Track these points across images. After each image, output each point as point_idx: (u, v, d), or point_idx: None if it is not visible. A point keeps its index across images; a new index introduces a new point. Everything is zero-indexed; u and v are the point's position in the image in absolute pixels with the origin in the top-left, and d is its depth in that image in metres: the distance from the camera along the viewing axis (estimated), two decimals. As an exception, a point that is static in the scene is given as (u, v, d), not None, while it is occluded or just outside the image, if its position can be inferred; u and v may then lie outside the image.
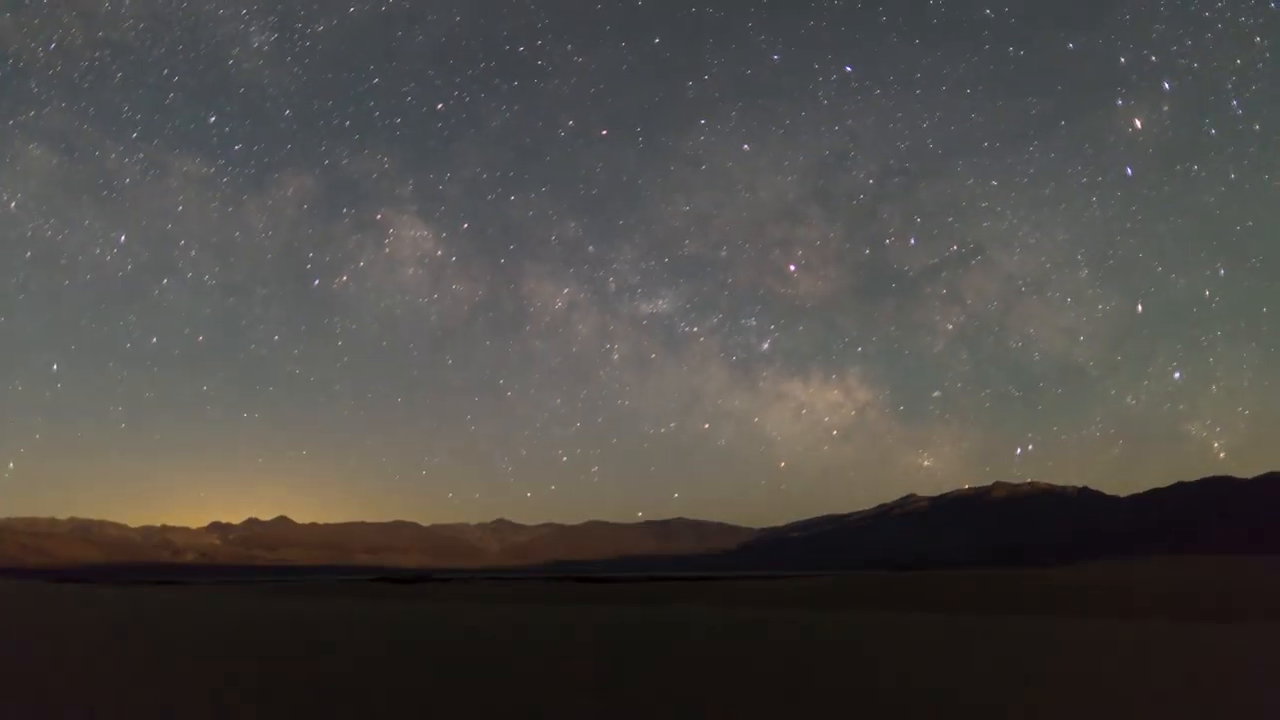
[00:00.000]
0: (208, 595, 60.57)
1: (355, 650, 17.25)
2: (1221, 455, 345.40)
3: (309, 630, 23.40)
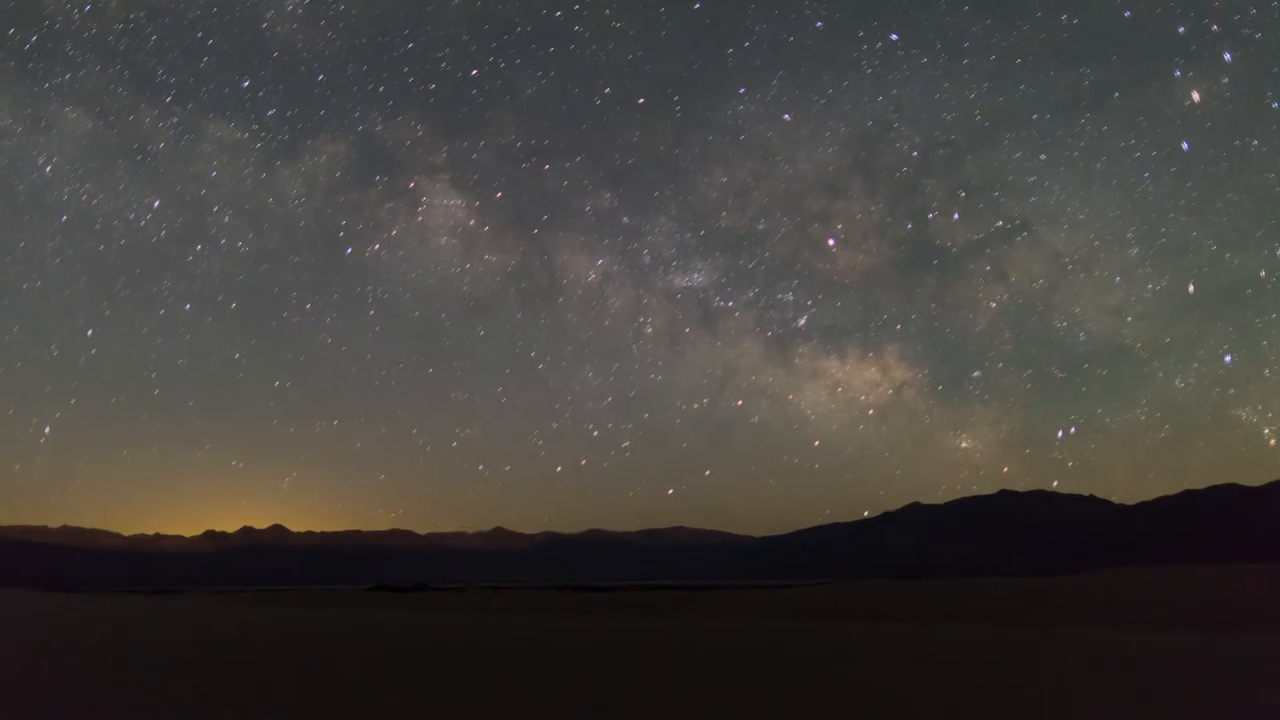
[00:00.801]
0: (195, 605, 59.80)
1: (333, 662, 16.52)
2: (1272, 442, 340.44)
3: (291, 642, 22.67)
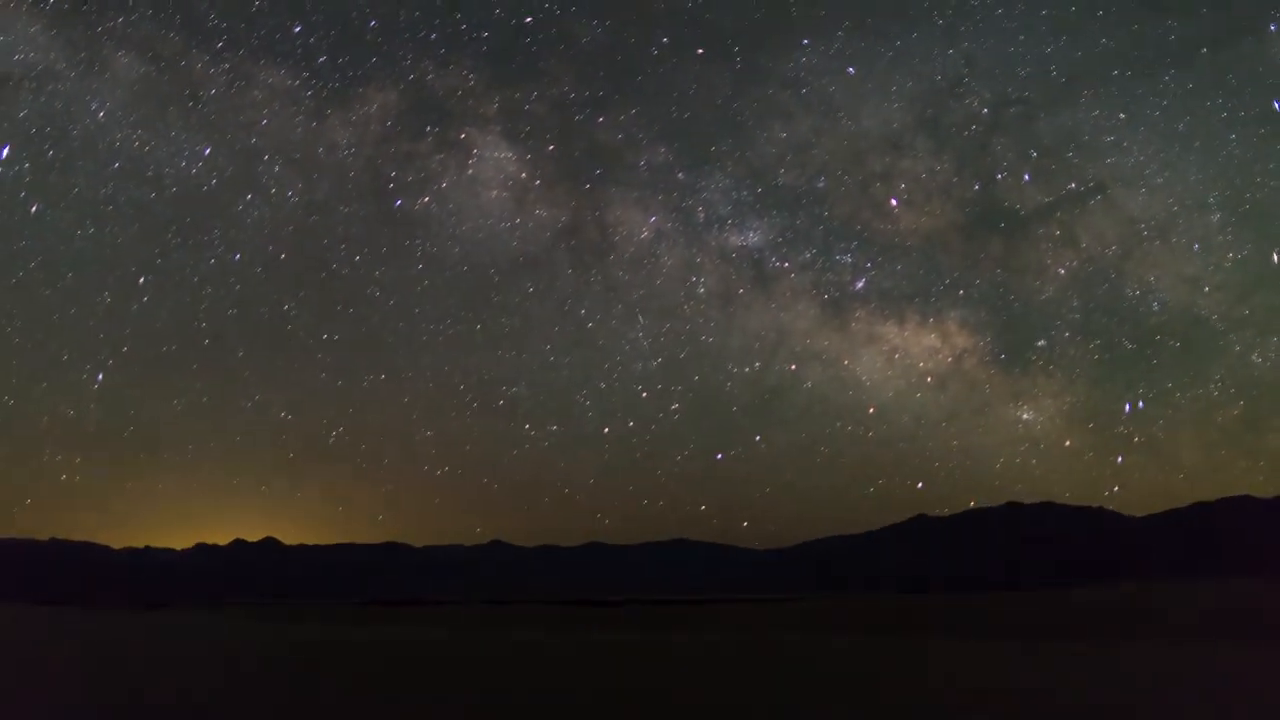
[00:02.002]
0: (186, 619, 59.67)
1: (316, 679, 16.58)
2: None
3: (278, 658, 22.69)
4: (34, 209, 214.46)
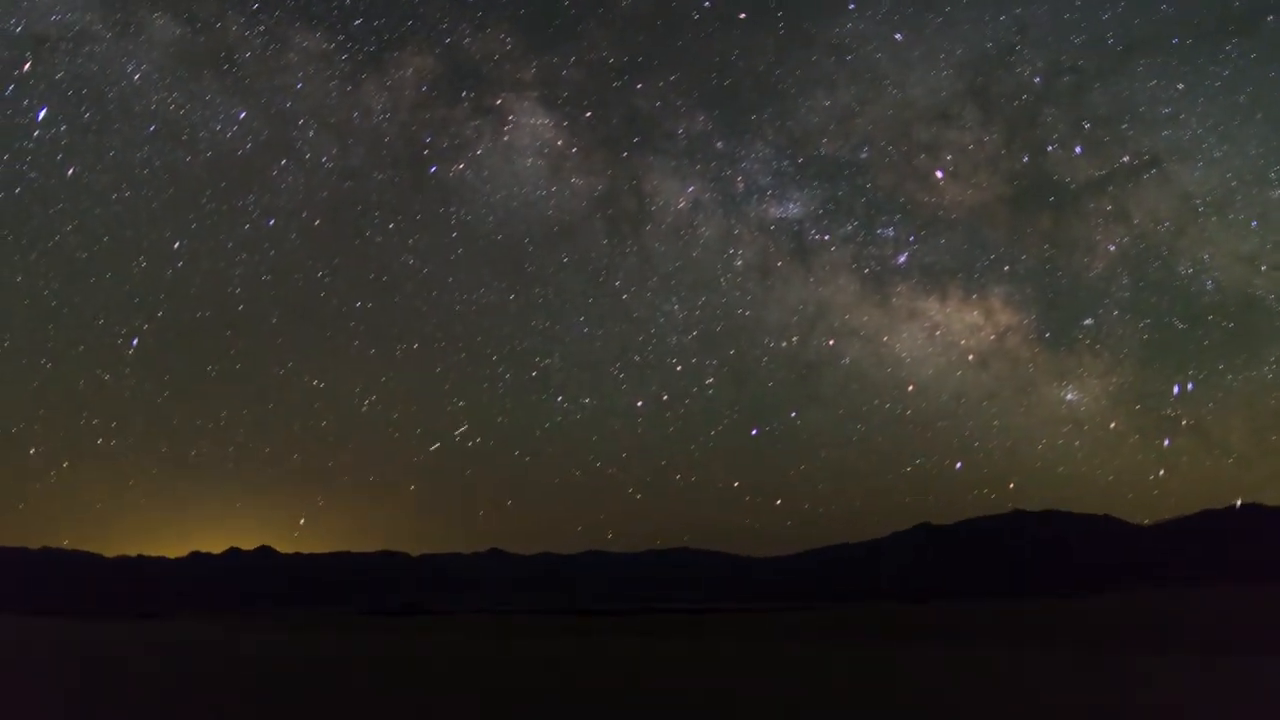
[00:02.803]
0: (180, 629, 59.76)
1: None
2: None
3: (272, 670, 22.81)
4: (70, 171, 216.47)
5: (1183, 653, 27.90)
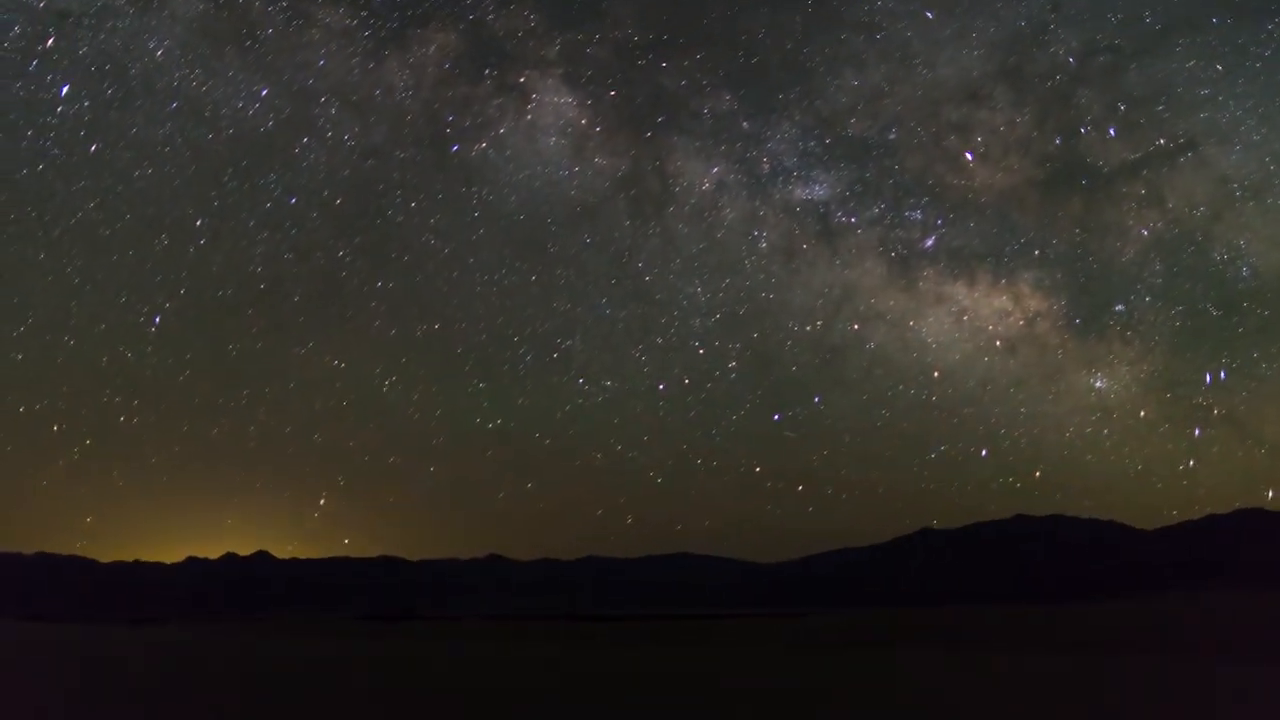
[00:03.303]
0: (175, 634, 59.77)
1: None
2: None
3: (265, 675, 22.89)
4: (93, 148, 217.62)
5: (1184, 658, 27.93)
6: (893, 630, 47.14)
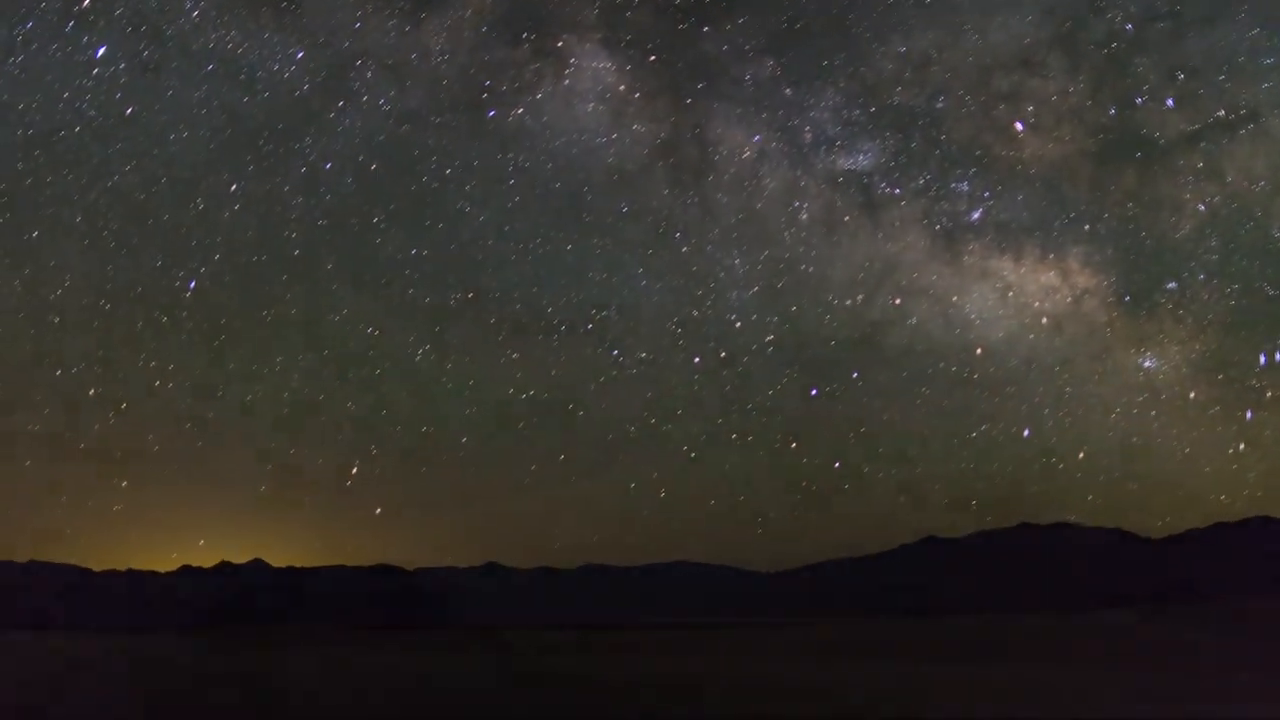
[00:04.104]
0: (168, 643, 59.53)
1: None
2: None
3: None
4: (129, 111, 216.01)
5: (1186, 670, 27.79)
6: (891, 639, 46.88)
